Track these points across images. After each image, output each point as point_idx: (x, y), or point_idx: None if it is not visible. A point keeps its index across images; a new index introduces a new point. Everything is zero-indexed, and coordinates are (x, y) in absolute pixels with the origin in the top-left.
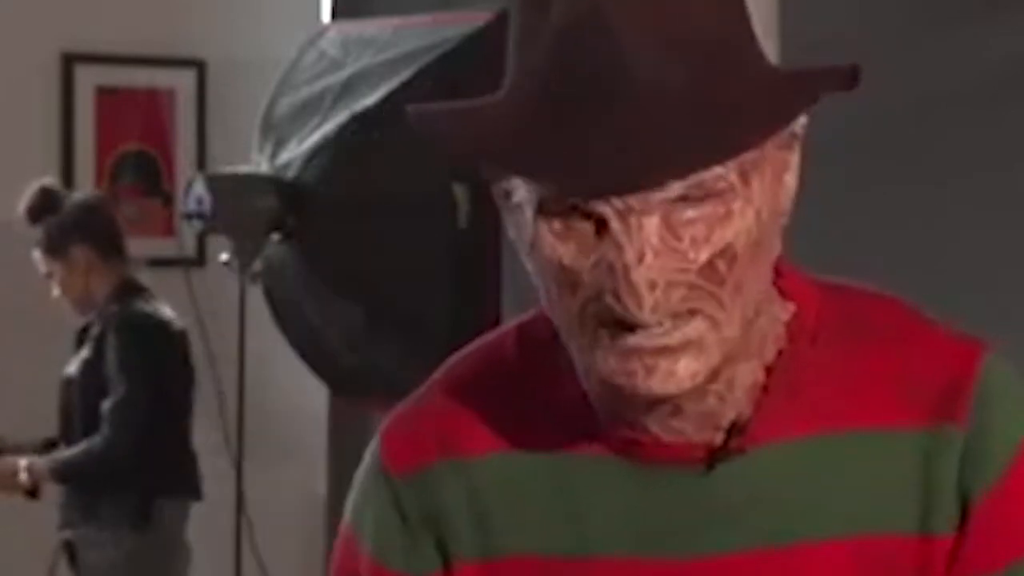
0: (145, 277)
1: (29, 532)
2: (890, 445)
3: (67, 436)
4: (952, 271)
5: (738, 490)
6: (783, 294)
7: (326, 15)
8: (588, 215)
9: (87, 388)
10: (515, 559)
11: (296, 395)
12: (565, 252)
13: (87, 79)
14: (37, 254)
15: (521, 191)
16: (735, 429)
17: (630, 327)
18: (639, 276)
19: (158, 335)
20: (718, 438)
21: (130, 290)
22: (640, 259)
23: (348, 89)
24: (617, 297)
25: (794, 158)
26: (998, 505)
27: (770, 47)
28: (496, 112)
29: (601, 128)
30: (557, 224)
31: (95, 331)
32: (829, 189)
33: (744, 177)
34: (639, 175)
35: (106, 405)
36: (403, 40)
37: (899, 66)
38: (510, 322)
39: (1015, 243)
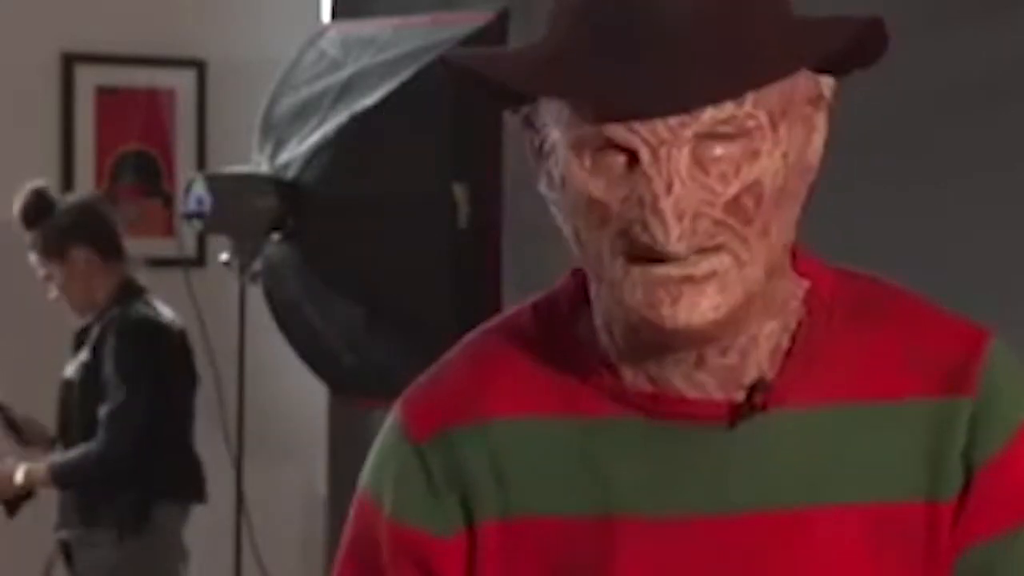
0: (145, 277)
1: (25, 532)
2: (902, 416)
3: (65, 439)
4: (951, 270)
5: (756, 452)
6: (799, 273)
7: (326, 15)
8: (619, 150)
9: (86, 392)
10: (537, 520)
11: (296, 395)
12: (595, 186)
13: (87, 79)
14: (34, 257)
15: (554, 132)
16: (758, 387)
17: (657, 259)
18: (667, 205)
19: (158, 338)
20: (739, 396)
21: (130, 292)
22: (669, 189)
23: (348, 89)
24: (646, 226)
25: (822, 119)
26: (999, 474)
27: None
28: (536, 49)
29: (639, 55)
30: (588, 160)
31: (94, 333)
32: (828, 187)
33: (772, 120)
34: (670, 99)
35: (103, 410)
36: (403, 40)
37: (898, 65)
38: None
39: (1015, 242)
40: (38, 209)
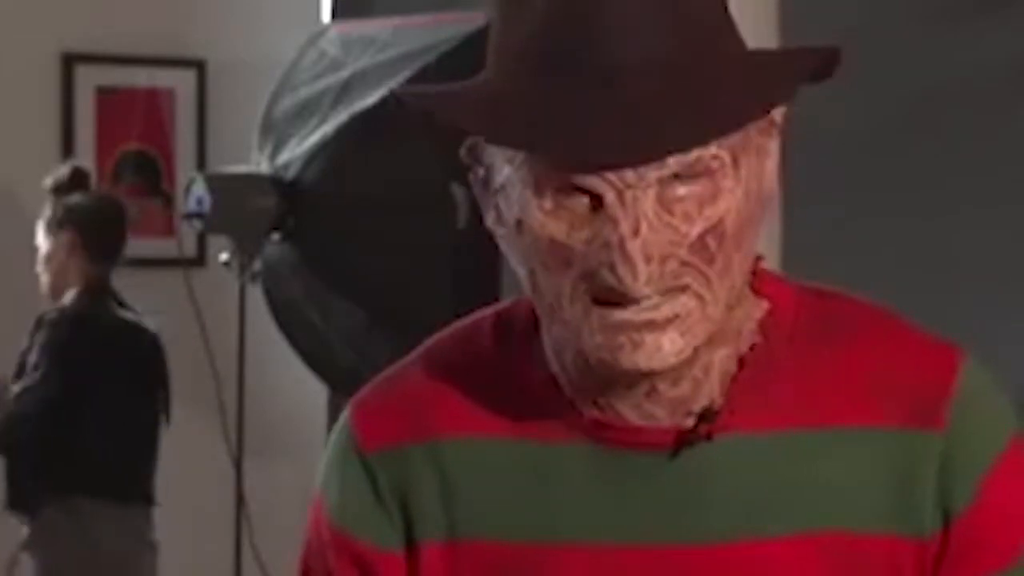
0: (145, 277)
1: None
2: (863, 443)
3: None
4: (951, 270)
5: (705, 480)
6: (758, 293)
7: (326, 15)
8: (581, 192)
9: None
10: (481, 543)
11: (296, 395)
12: (556, 229)
13: (87, 79)
14: (40, 227)
15: (505, 171)
16: (706, 415)
17: (618, 302)
18: (635, 248)
19: (92, 332)
20: (688, 423)
21: (93, 291)
22: (636, 232)
23: (348, 89)
24: (612, 270)
25: (774, 145)
26: (980, 515)
27: (771, 47)
28: (491, 90)
29: (601, 103)
30: (548, 202)
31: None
32: (828, 188)
33: (735, 158)
34: (641, 149)
35: (17, 386)
36: (403, 40)
37: (898, 66)
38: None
39: (1015, 242)
40: (67, 183)
